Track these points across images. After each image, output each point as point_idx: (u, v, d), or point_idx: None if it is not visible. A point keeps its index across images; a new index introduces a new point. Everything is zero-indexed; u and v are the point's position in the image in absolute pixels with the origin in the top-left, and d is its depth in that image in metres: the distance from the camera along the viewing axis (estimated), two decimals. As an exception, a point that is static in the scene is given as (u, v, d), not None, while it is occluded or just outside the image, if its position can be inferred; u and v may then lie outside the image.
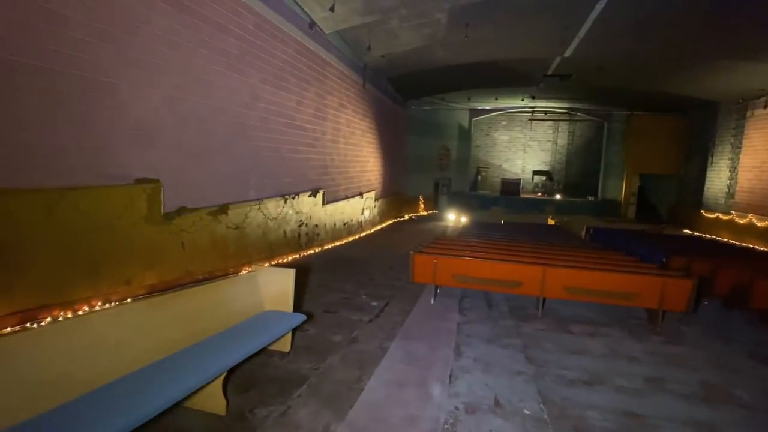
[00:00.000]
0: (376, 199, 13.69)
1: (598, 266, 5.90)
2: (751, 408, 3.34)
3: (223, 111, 5.70)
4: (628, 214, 19.27)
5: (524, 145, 23.83)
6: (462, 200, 20.46)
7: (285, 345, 3.85)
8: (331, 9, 7.30)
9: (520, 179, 22.41)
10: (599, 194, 20.80)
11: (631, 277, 5.40)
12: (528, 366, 3.81)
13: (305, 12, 7.54)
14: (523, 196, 21.63)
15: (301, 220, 8.03)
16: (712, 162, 16.30)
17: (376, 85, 12.88)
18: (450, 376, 3.49)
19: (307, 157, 8.43)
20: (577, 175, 22.84)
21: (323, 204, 9.17)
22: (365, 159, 12.44)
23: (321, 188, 9.02)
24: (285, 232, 7.45)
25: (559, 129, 23.18)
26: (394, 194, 15.98)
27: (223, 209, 5.54)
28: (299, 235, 8.03)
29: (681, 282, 5.19)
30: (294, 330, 3.85)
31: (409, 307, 5.44)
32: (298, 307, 4.09)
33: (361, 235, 11.90)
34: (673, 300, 5.21)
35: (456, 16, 9.47)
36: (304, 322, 3.87)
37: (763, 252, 11.05)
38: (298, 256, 7.89)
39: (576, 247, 8.68)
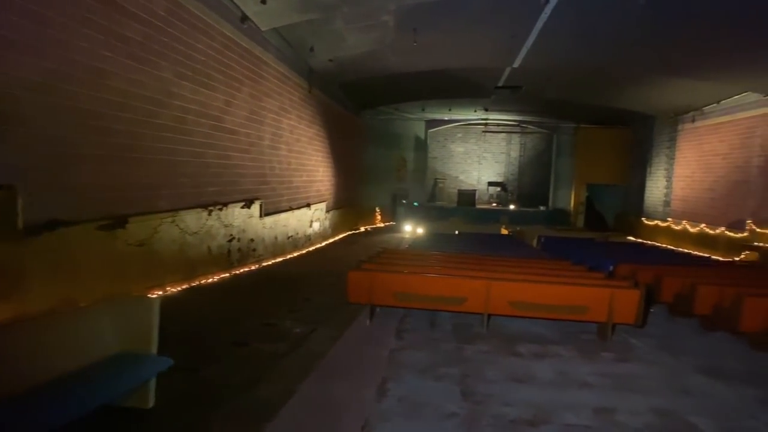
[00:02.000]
0: (328, 211, 13.07)
1: (545, 278, 5.55)
2: (707, 439, 2.99)
3: (121, 106, 4.91)
4: (577, 223, 19.60)
5: (479, 156, 23.95)
6: (419, 211, 20.19)
7: (144, 399, 2.91)
8: (263, 1, 6.71)
9: (476, 190, 22.43)
10: (550, 204, 21.10)
11: (579, 290, 5.07)
12: (463, 404, 3.29)
13: (235, 4, 6.90)
14: (479, 206, 21.62)
15: (231, 235, 7.30)
16: (650, 172, 16.85)
17: (326, 91, 12.35)
18: (363, 429, 2.89)
19: (240, 163, 7.73)
20: (529, 185, 23.14)
21: (261, 216, 8.46)
22: (313, 168, 11.82)
23: (258, 198, 8.31)
24: (210, 248, 6.69)
25: (512, 141, 23.46)
26: (349, 205, 15.41)
27: (121, 222, 4.71)
28: (229, 251, 7.29)
29: (629, 293, 4.91)
30: (168, 375, 2.93)
31: (340, 332, 4.85)
32: (199, 340, 3.42)
33: (310, 249, 11.22)
34: (622, 312, 4.91)
35: (403, 19, 9.14)
36: (198, 361, 3.19)
37: (700, 257, 11.28)
38: (227, 275, 7.13)
39: (525, 258, 8.41)
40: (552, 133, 21.26)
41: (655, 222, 16.20)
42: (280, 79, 9.14)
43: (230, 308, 5.62)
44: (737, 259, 11.31)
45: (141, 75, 5.15)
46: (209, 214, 6.59)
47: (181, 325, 4.58)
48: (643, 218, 16.98)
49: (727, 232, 12.77)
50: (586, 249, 10.63)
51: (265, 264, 8.57)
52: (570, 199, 20.14)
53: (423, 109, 18.27)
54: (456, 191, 22.15)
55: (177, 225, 5.75)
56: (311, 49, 9.45)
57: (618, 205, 19.35)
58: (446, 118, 20.71)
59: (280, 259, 9.28)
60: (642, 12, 8.79)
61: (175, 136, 5.82)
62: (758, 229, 11.74)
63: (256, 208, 8.23)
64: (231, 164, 7.39)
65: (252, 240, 8.13)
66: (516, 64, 12.35)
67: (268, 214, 8.80)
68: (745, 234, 12.11)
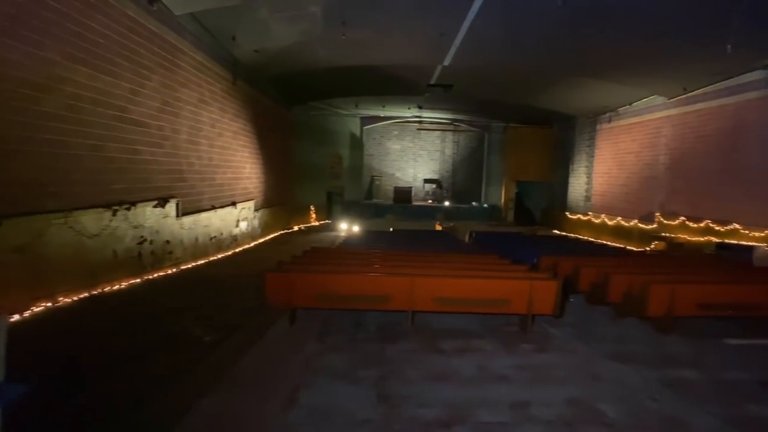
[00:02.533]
0: (257, 210, 12.49)
1: (469, 273, 5.56)
2: (611, 425, 3.04)
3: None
4: (508, 218, 20.39)
5: (415, 154, 24.24)
6: (356, 209, 20.01)
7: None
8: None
9: (411, 187, 22.68)
10: (483, 200, 21.77)
11: (500, 283, 5.11)
12: (378, 408, 3.14)
13: (139, -16, 6.29)
14: (415, 203, 21.90)
15: (142, 236, 6.67)
16: (573, 170, 17.87)
17: (253, 84, 11.78)
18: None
19: (152, 159, 7.09)
20: (463, 182, 23.76)
21: (178, 216, 7.84)
22: (239, 164, 11.23)
23: (174, 197, 7.69)
24: (116, 252, 6.05)
25: (446, 139, 23.96)
26: (281, 204, 14.87)
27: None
28: (140, 254, 6.65)
29: (547, 284, 5.02)
30: (29, 404, 2.42)
31: (256, 338, 4.52)
32: (87, 357, 2.96)
33: (237, 250, 10.64)
34: (541, 303, 5.00)
35: (331, 11, 8.87)
36: (78, 383, 2.75)
37: (616, 247, 12.06)
38: (138, 280, 6.51)
39: (455, 253, 8.49)
40: (484, 132, 21.93)
41: (578, 216, 17.18)
42: (199, 68, 8.53)
43: (134, 317, 5.08)
44: (648, 248, 12.21)
45: (12, 53, 4.46)
46: (114, 215, 5.96)
47: (66, 340, 4.05)
48: (567, 212, 17.95)
49: (639, 224, 13.78)
50: (513, 243, 10.99)
51: (184, 267, 7.97)
52: (501, 195, 20.89)
53: (357, 105, 18.10)
54: (392, 188, 22.26)
55: (71, 227, 5.10)
56: (233, 38, 8.91)
57: (545, 200, 20.35)
58: (382, 115, 20.70)
59: (202, 262, 8.69)
60: (560, 15, 9.18)
61: (65, 126, 5.15)
62: (665, 221, 12.76)
63: (171, 207, 7.61)
64: (140, 159, 6.75)
65: (168, 242, 7.51)
66: (447, 63, 12.50)
67: (186, 214, 8.19)
68: (655, 225, 13.12)
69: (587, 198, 16.87)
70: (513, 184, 20.66)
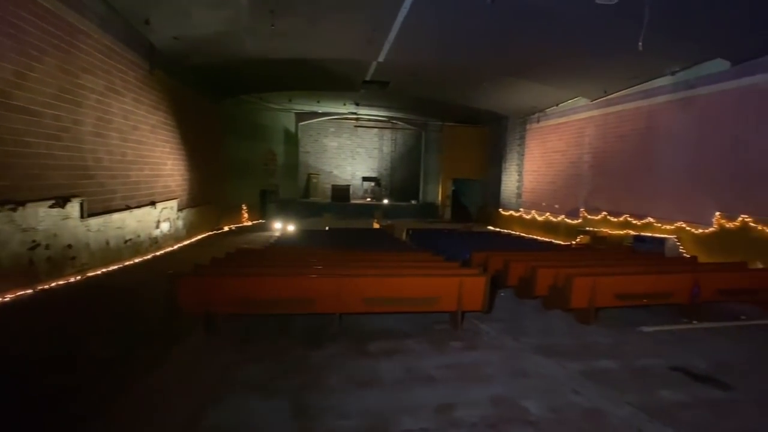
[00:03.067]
0: (181, 209, 11.64)
1: (399, 271, 5.41)
2: (534, 423, 2.98)
3: None
4: (445, 216, 20.72)
5: (353, 151, 24.00)
6: (292, 208, 19.40)
7: None
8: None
9: (349, 185, 22.42)
10: (421, 198, 21.97)
11: (430, 281, 5.00)
12: (293, 423, 2.86)
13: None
14: (353, 201, 21.66)
15: (34, 240, 5.86)
16: (505, 168, 18.48)
17: (175, 74, 10.92)
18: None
19: (46, 152, 6.26)
20: (401, 180, 23.87)
21: (83, 217, 7.02)
22: (159, 160, 10.37)
23: (77, 196, 6.88)
24: (-1, 257, 5.26)
25: (384, 137, 23.95)
26: (209, 203, 14.00)
27: None
28: (32, 261, 5.84)
29: (476, 280, 4.97)
30: None
31: (166, 352, 4.06)
32: None
33: (157, 254, 9.81)
34: (470, 300, 4.96)
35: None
36: None
37: (545, 242, 12.58)
38: (30, 291, 5.72)
39: (390, 251, 8.35)
40: (421, 130, 22.12)
41: (510, 212, 17.79)
42: (107, 53, 7.69)
43: (18, 332, 4.41)
44: (573, 242, 12.82)
45: None
46: (-6, 216, 5.16)
47: None
48: (500, 209, 18.53)
49: (566, 220, 14.47)
50: (448, 239, 11.10)
51: (91, 274, 7.16)
52: (438, 193, 21.18)
53: (290, 100, 17.54)
54: (330, 187, 21.88)
55: (-68, 230, 4.32)
56: (147, 22, 8.16)
57: (480, 198, 20.90)
58: (318, 111, 20.23)
59: (114, 267, 7.88)
60: (490, 16, 9.34)
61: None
62: (588, 216, 13.48)
63: (74, 207, 6.79)
64: (30, 153, 5.92)
65: (70, 246, 6.70)
66: (381, 59, 12.37)
67: (94, 215, 7.37)
68: (580, 220, 13.83)
69: (518, 195, 17.51)
70: (450, 182, 21.02)
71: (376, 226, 15.86)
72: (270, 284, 4.76)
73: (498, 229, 17.34)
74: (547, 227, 15.31)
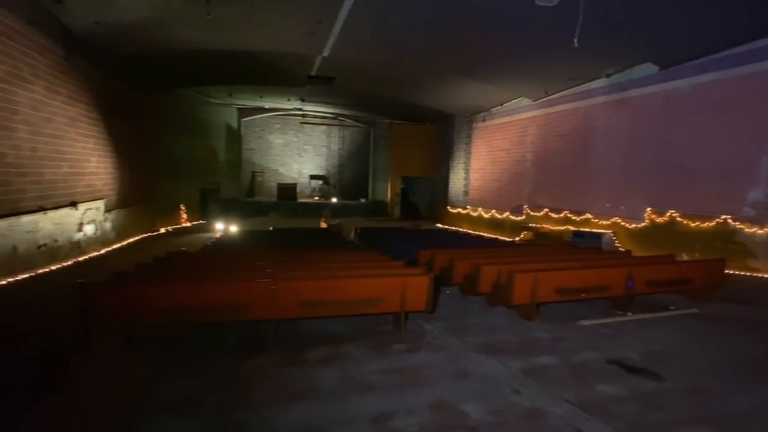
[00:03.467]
0: (108, 210, 10.74)
1: (339, 273, 5.17)
2: (474, 429, 2.85)
3: None
4: (394, 214, 20.69)
5: (299, 149, 23.43)
6: (236, 207, 18.59)
7: None
8: None
9: (296, 183, 21.88)
10: (370, 196, 21.81)
11: (372, 282, 4.80)
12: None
13: None
14: (300, 200, 21.15)
15: None
16: (453, 166, 18.72)
17: (99, 62, 10.02)
18: None
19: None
20: (350, 178, 23.60)
21: (-16, 218, 6.22)
22: (81, 157, 9.48)
23: (-26, 195, 6.08)
24: None
25: (332, 134, 23.56)
26: (143, 203, 13.07)
27: None
28: None
29: (419, 280, 4.83)
30: None
31: (75, 371, 3.59)
32: None
33: (80, 259, 8.96)
34: (413, 300, 4.81)
35: (190, -16, 7.84)
36: None
37: (491, 239, 12.76)
38: None
39: (335, 251, 8.10)
40: (369, 128, 21.95)
41: (458, 209, 18.03)
42: (8, 35, 6.85)
43: None
44: (518, 238, 13.14)
45: None
46: None
47: None
48: (448, 207, 18.74)
49: (511, 216, 14.82)
50: (396, 238, 10.98)
51: (-5, 284, 6.36)
52: (387, 191, 21.11)
53: (231, 95, 16.78)
54: (276, 185, 21.24)
55: None
56: (58, 2, 7.36)
57: (429, 195, 21.05)
58: (262, 107, 19.53)
59: (24, 276, 7.06)
60: (435, 15, 9.31)
61: None
62: (532, 213, 13.87)
63: (-29, 208, 5.99)
64: None
65: (-34, 253, 5.90)
66: (326, 53, 12.07)
67: (-1, 217, 6.56)
68: (523, 217, 14.20)
69: (466, 192, 17.77)
70: (399, 180, 21.02)
71: (323, 225, 15.51)
72: (198, 291, 4.36)
73: (446, 227, 17.51)
74: (493, 224, 15.63)
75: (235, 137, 19.78)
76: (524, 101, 14.46)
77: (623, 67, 10.80)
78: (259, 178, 22.19)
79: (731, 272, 7.54)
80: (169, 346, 4.31)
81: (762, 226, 7.82)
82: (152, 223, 13.89)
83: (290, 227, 13.79)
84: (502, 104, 15.56)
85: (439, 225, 18.22)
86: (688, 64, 9.27)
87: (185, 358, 4.02)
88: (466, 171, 17.79)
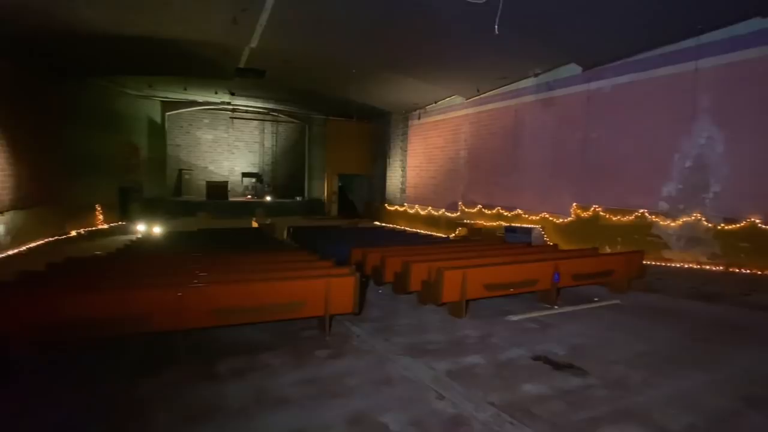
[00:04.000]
0: (1, 212, 9.47)
1: (258, 276, 4.77)
2: (397, 442, 2.63)
3: None
4: (331, 212, 20.28)
5: (231, 145, 22.30)
6: (161, 207, 17.31)
7: None
8: None
9: (227, 181, 20.80)
10: (306, 194, 21.22)
11: (294, 284, 4.46)
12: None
13: None
14: (232, 199, 20.14)
15: None
16: (389, 163, 18.65)
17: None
18: None
19: None
20: (285, 176, 22.84)
21: None
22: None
23: None
24: None
25: (266, 130, 22.67)
26: (48, 204, 11.69)
27: None
28: None
29: (345, 281, 4.56)
30: None
31: None
32: None
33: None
34: (339, 302, 4.52)
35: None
36: None
37: (427, 235, 12.82)
38: None
39: (262, 252, 7.62)
40: (305, 124, 21.34)
41: (395, 207, 17.97)
42: None
43: None
44: (452, 235, 13.25)
45: None
46: None
47: None
48: (386, 204, 18.64)
49: (446, 213, 14.96)
50: (330, 237, 10.64)
51: None
52: (324, 189, 20.66)
53: (150, 86, 15.55)
54: (205, 183, 20.09)
55: None
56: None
57: (366, 193, 20.85)
58: (189, 100, 18.31)
59: None
60: (364, 7, 9.08)
61: None
62: (466, 209, 14.07)
63: None
64: None
65: None
66: (254, 44, 11.47)
67: None
68: (458, 213, 14.38)
69: (402, 190, 17.76)
70: (336, 178, 20.64)
71: (254, 225, 14.80)
72: (91, 302, 3.80)
73: (383, 224, 17.39)
74: (430, 221, 15.72)
75: (158, 132, 18.41)
76: (458, 99, 14.63)
77: (550, 67, 11.18)
78: (186, 176, 20.88)
79: (648, 263, 7.98)
80: (58, 365, 3.72)
81: (674, 219, 8.36)
82: (61, 225, 12.49)
83: (218, 228, 12.98)
84: (436, 102, 15.67)
85: (377, 223, 18.07)
86: (609, 65, 9.74)
87: (68, 380, 3.46)
88: (403, 169, 17.78)
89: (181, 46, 11.38)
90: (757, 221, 7.21)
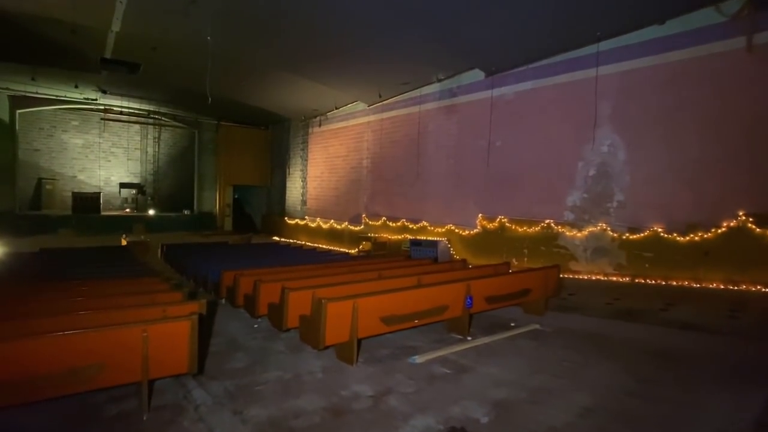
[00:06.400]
0: None
1: (36, 329, 3.13)
2: None
3: None
4: (225, 226, 18.15)
5: (106, 152, 19.09)
6: (8, 223, 14.04)
7: None
8: None
9: (100, 193, 17.65)
10: (195, 207, 18.81)
11: (91, 337, 2.91)
12: None
13: None
14: (106, 213, 17.09)
15: None
16: (289, 173, 17.17)
17: None
18: None
19: None
20: (171, 187, 20.10)
21: None
22: None
23: None
24: None
25: (149, 136, 19.83)
26: None
27: None
28: None
29: (175, 327, 3.12)
30: None
31: None
32: None
33: None
34: (166, 359, 3.08)
35: None
36: None
37: (326, 252, 11.48)
38: None
39: (105, 279, 5.81)
40: (194, 129, 19.00)
41: (296, 220, 16.47)
42: None
43: None
44: (356, 250, 12.12)
45: None
46: None
47: None
48: (286, 218, 17.06)
49: (350, 226, 13.82)
50: (210, 256, 8.88)
51: None
52: (216, 201, 18.48)
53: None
54: (71, 195, 16.85)
55: None
56: None
57: (265, 206, 19.07)
58: (52, 96, 15.18)
59: None
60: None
61: None
62: (370, 222, 13.05)
63: None
64: None
65: None
66: (117, 28, 9.53)
67: None
68: (362, 227, 13.31)
69: (303, 202, 16.34)
70: (230, 189, 18.58)
71: (123, 243, 12.39)
72: None
73: (281, 240, 15.78)
74: (333, 235, 14.48)
75: (6, 133, 15.00)
76: (360, 106, 13.70)
77: (453, 73, 10.66)
78: (48, 187, 17.32)
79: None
80: None
81: (580, 230, 8.03)
82: None
83: (69, 247, 10.47)
84: (338, 108, 14.60)
85: (276, 238, 16.40)
86: (512, 71, 9.38)
87: None
88: (303, 179, 16.39)
89: (23, 23, 9.08)
90: (660, 230, 7.03)
